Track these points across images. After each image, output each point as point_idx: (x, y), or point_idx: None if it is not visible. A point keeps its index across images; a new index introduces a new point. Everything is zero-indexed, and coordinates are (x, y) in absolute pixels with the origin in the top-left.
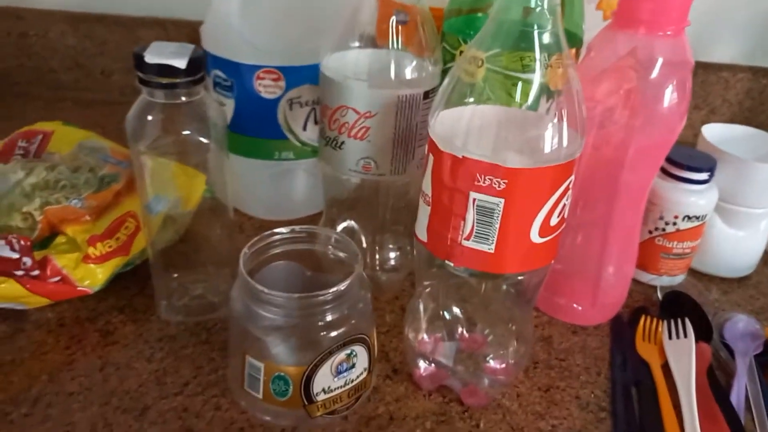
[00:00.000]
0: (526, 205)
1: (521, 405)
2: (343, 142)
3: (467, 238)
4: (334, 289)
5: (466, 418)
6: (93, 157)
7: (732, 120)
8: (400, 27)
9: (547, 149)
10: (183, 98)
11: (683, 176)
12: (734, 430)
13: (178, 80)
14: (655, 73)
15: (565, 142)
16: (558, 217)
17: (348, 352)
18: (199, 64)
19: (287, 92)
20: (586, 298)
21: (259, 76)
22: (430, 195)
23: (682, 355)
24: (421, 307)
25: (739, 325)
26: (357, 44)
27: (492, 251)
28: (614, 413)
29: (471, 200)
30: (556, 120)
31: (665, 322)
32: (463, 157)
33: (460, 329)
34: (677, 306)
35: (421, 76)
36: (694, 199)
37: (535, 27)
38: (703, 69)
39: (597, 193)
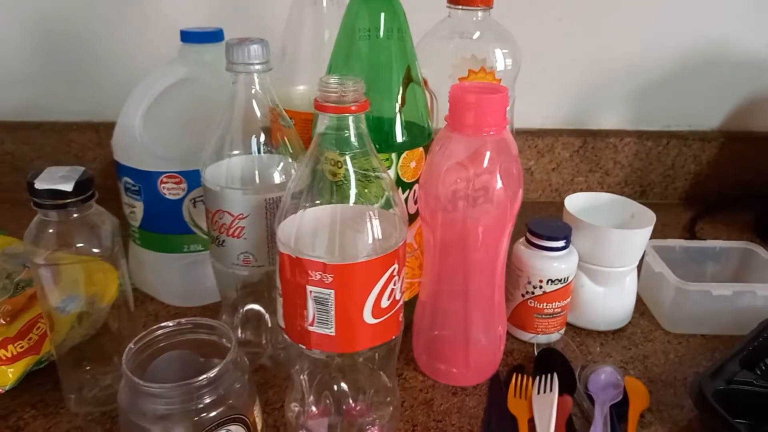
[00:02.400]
0: (354, 294)
1: None
2: (224, 240)
3: (311, 324)
4: (203, 376)
5: None
6: (12, 263)
7: (626, 180)
8: (265, 135)
9: (366, 245)
10: (75, 215)
11: (543, 245)
12: None
13: (67, 201)
14: (485, 165)
15: (381, 238)
16: (389, 299)
17: None
18: (88, 184)
19: (189, 192)
20: (460, 361)
21: (163, 180)
22: (280, 288)
23: (545, 408)
24: (296, 382)
25: (601, 376)
26: (235, 152)
27: (333, 334)
28: None
29: (309, 292)
30: (375, 216)
31: (537, 378)
32: (297, 257)
33: (337, 400)
34: (549, 362)
35: (288, 179)
36: (556, 264)
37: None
38: (592, 136)
39: (454, 268)
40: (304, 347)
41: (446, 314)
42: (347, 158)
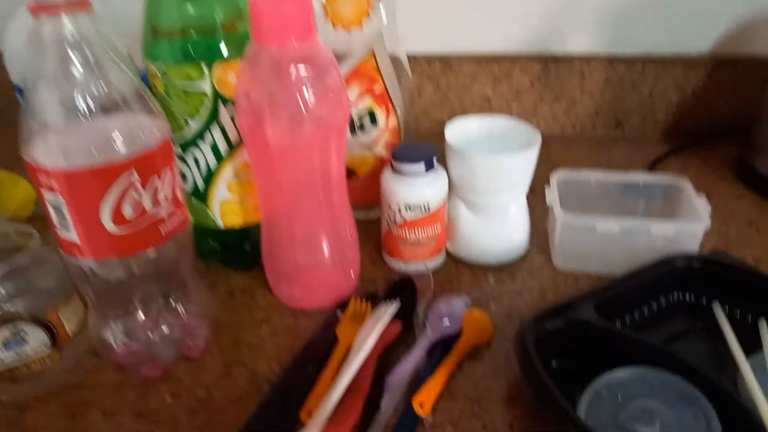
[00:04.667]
0: (85, 201)
1: (194, 377)
2: None
3: (58, 229)
4: None
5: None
6: None
7: (597, 110)
8: None
9: (88, 153)
10: None
11: (399, 169)
12: (368, 405)
13: None
14: (293, 76)
15: (112, 145)
16: (133, 210)
17: (13, 330)
18: None
19: None
20: (299, 283)
21: None
22: None
23: (367, 332)
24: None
25: (442, 308)
26: None
27: (78, 241)
28: (274, 384)
29: (45, 198)
30: (107, 123)
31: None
32: (30, 163)
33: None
34: (401, 290)
35: None
36: (417, 190)
37: None
38: (554, 62)
39: (276, 189)
40: (63, 251)
41: (281, 236)
42: (75, 60)
